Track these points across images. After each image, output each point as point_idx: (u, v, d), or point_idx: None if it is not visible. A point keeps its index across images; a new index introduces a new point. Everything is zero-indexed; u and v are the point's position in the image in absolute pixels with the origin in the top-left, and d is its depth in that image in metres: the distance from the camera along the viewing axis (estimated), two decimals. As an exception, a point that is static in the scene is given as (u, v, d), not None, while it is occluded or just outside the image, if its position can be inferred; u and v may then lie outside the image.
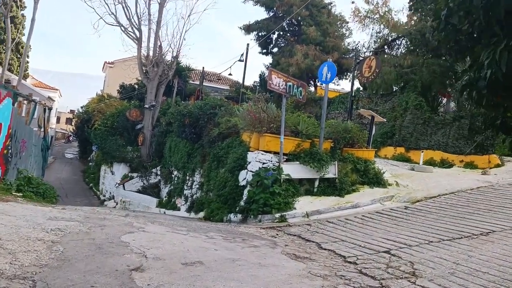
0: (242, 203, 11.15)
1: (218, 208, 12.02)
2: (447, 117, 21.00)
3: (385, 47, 26.28)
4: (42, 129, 20.17)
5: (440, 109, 23.64)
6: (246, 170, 11.63)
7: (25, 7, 43.57)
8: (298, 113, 13.94)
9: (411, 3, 21.84)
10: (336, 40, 34.14)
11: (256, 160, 11.38)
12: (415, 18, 24.03)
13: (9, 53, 24.17)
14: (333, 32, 34.85)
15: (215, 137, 14.68)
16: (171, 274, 4.85)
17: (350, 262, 6.17)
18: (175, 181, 19.05)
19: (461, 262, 6.18)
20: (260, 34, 36.12)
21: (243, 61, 27.59)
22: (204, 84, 34.46)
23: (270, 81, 11.31)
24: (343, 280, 5.27)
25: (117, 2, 26.06)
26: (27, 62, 45.05)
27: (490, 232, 8.07)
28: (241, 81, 30.42)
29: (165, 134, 22.88)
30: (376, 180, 13.00)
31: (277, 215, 10.00)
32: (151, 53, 26.53)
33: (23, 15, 42.05)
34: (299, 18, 34.98)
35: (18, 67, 36.53)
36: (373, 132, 16.81)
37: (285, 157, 11.45)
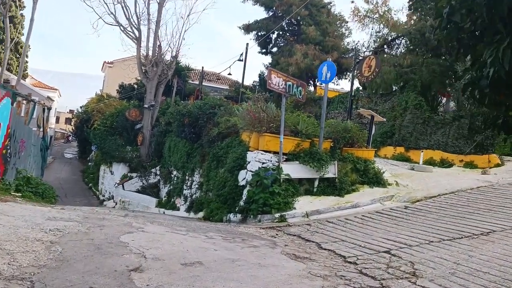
0: (241, 203, 11.12)
1: (217, 208, 11.99)
2: (446, 116, 20.98)
3: (385, 46, 26.26)
4: (41, 129, 20.13)
5: (439, 109, 23.63)
6: (245, 170, 11.61)
7: (24, 7, 43.51)
8: (297, 113, 13.92)
9: (410, 3, 21.85)
10: (336, 39, 34.12)
11: (255, 160, 11.36)
12: (414, 17, 24.02)
13: (8, 53, 24.11)
14: (333, 31, 34.83)
15: (215, 137, 14.64)
16: (170, 275, 4.82)
17: (350, 262, 6.14)
18: (175, 181, 19.01)
19: (462, 262, 6.15)
20: (259, 33, 36.08)
21: (242, 60, 27.57)
22: (203, 84, 34.42)
23: (269, 81, 11.28)
24: (343, 280, 5.24)
25: (116, 2, 26.01)
26: (26, 62, 44.99)
27: (490, 232, 8.05)
28: (240, 81, 30.41)
29: (165, 134, 22.84)
30: (376, 180, 12.99)
31: (277, 215, 9.98)
32: (150, 53, 26.49)
33: (22, 15, 41.99)
34: (299, 18, 34.95)
35: (18, 67, 36.46)
36: (373, 131, 16.80)
37: (284, 156, 11.42)
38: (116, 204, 22.12)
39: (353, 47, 30.34)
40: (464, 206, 10.58)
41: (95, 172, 34.27)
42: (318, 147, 11.81)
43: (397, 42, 26.08)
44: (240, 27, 36.64)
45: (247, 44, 28.13)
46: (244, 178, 11.54)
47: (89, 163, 40.30)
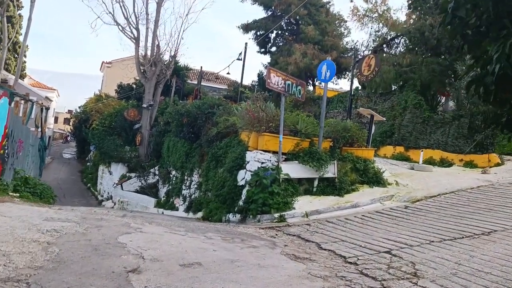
0: (240, 203, 11.06)
1: (216, 208, 11.93)
2: (446, 116, 20.94)
3: (384, 46, 26.24)
4: (40, 129, 20.03)
5: (439, 108, 23.60)
6: (244, 170, 11.54)
7: (22, 6, 43.39)
8: (297, 112, 13.88)
9: (410, 2, 21.87)
10: (335, 39, 34.12)
11: (254, 159, 11.30)
12: (414, 16, 24.02)
13: (6, 53, 24.02)
14: (332, 31, 34.82)
15: (214, 137, 14.57)
16: (169, 276, 4.75)
17: (350, 263, 6.08)
18: (173, 181, 18.94)
19: (463, 262, 6.09)
20: (258, 33, 36.07)
21: (241, 60, 27.50)
22: (202, 83, 34.35)
23: (268, 80, 11.22)
24: (343, 281, 5.18)
25: (115, 1, 25.95)
26: (25, 62, 44.91)
27: (491, 231, 7.99)
28: (239, 81, 30.33)
29: (163, 133, 22.77)
30: (375, 180, 12.94)
31: (276, 215, 9.92)
32: (149, 53, 26.42)
33: (20, 15, 41.90)
34: (298, 17, 34.93)
35: (16, 67, 36.36)
36: (373, 131, 16.75)
37: (284, 156, 11.37)
38: (114, 204, 22.06)
39: (352, 47, 30.36)
40: (464, 205, 10.54)
41: (93, 172, 34.16)
42: (318, 146, 11.76)
43: (396, 41, 26.07)
44: (239, 27, 36.63)
45: (246, 43, 28.05)
46: (243, 178, 11.47)
47: (88, 163, 40.18)
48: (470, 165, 18.35)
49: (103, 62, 53.67)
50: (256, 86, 34.54)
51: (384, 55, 25.29)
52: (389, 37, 26.10)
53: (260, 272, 5.30)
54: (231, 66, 31.07)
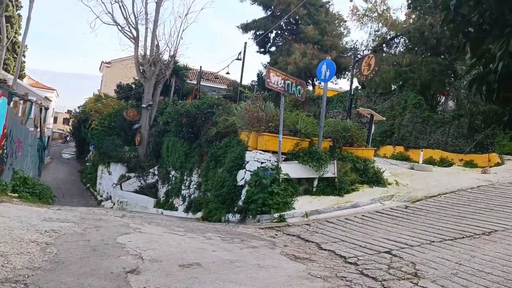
0: (240, 203, 11.04)
1: (216, 208, 11.91)
2: (446, 115, 20.92)
3: (384, 45, 26.22)
4: (39, 129, 20.00)
5: (438, 108, 23.58)
6: (244, 170, 11.51)
7: (21, 6, 43.35)
8: (296, 112, 13.84)
9: (409, 1, 21.84)
10: (334, 39, 34.08)
11: (254, 159, 11.27)
12: (413, 16, 24.01)
13: (5, 53, 23.97)
14: (331, 31, 34.79)
15: (213, 137, 14.54)
16: (168, 277, 4.72)
17: (350, 263, 6.05)
18: (173, 181, 18.92)
19: (464, 263, 6.06)
20: (257, 33, 36.05)
21: (240, 59, 27.46)
22: (201, 83, 34.32)
23: (268, 80, 11.18)
24: (344, 281, 5.15)
25: (114, 1, 25.95)
26: (24, 62, 44.89)
27: (492, 231, 7.96)
28: (239, 81, 30.29)
29: (163, 133, 22.74)
30: (375, 179, 12.92)
31: (276, 215, 9.89)
32: (148, 52, 26.40)
33: (19, 15, 41.87)
34: (297, 17, 34.90)
35: (15, 67, 36.33)
36: (372, 131, 16.72)
37: (283, 156, 11.34)
38: (114, 204, 22.03)
39: (352, 47, 30.31)
40: (465, 205, 10.50)
41: (93, 173, 34.12)
42: (317, 146, 11.73)
43: (396, 41, 26.04)
44: (238, 27, 36.59)
45: (245, 43, 28.01)
46: (242, 178, 11.44)
47: (87, 163, 40.14)
48: (470, 164, 18.32)
49: (102, 62, 53.61)
50: (255, 86, 34.48)
51: (384, 54, 25.27)
52: (388, 37, 26.08)
53: (260, 273, 5.26)
54: (230, 66, 31.14)
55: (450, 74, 22.21)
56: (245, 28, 36.14)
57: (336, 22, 36.67)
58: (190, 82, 38.14)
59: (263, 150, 11.41)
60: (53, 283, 4.12)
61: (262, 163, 11.11)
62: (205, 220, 11.91)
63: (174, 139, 19.82)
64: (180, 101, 26.33)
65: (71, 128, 57.38)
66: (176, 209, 16.32)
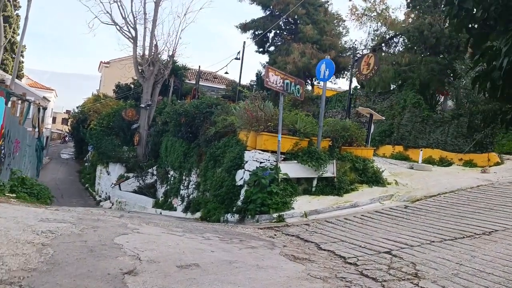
0: (239, 203, 10.98)
1: (214, 208, 11.86)
2: (445, 115, 20.88)
3: (383, 45, 26.19)
4: (37, 129, 19.93)
5: (438, 107, 23.55)
6: (243, 170, 11.46)
7: (19, 6, 43.33)
8: (295, 112, 13.78)
9: (408, 0, 21.77)
10: (333, 38, 34.03)
11: (253, 159, 11.22)
12: (412, 15, 23.99)
13: (2, 52, 23.90)
14: (330, 30, 34.75)
15: (212, 136, 14.49)
16: (166, 278, 4.66)
17: (350, 263, 6.00)
18: (171, 181, 18.87)
19: (464, 263, 6.02)
20: (256, 32, 35.98)
21: (239, 59, 27.43)
22: (200, 83, 34.30)
23: (267, 79, 11.13)
24: (343, 282, 5.10)
25: (112, 1, 25.91)
26: (22, 62, 44.83)
27: (492, 231, 7.92)
28: (237, 80, 30.25)
29: (161, 133, 22.70)
30: (375, 179, 12.88)
31: (275, 215, 9.84)
32: (146, 52, 26.37)
33: (17, 15, 41.78)
34: (296, 17, 34.86)
35: (13, 67, 36.24)
36: (372, 130, 16.67)
37: (282, 156, 11.29)
38: (112, 204, 21.98)
39: (351, 46, 30.26)
40: (464, 205, 10.46)
41: (91, 173, 34.07)
42: (317, 146, 11.69)
43: (395, 40, 26.02)
44: (237, 26, 36.52)
45: (244, 42, 28.00)
46: (241, 178, 11.39)
47: (86, 164, 40.08)
48: (469, 164, 18.28)
49: (101, 62, 53.56)
50: (254, 86, 34.45)
51: (383, 54, 25.25)
52: (388, 36, 26.06)
53: (259, 273, 5.21)
54: (229, 66, 31.09)
55: (450, 73, 22.18)
56: (244, 27, 36.07)
57: (335, 21, 36.63)
58: (189, 82, 38.09)
59: (262, 150, 11.36)
60: (49, 284, 4.06)
61: (261, 162, 11.06)
62: (203, 220, 11.86)
63: (172, 139, 19.77)
64: (178, 101, 26.29)
65: (69, 128, 57.27)
66: (175, 209, 16.27)
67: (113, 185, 24.41)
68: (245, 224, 9.99)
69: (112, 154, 26.08)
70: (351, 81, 21.80)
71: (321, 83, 13.53)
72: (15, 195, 11.35)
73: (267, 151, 11.33)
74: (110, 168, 27.20)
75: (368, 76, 17.32)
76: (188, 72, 38.26)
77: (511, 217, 9.04)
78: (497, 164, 17.66)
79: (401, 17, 26.17)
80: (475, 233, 7.78)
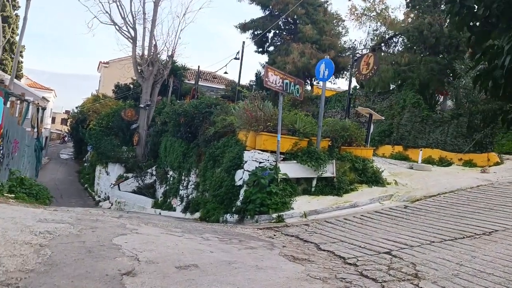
0: (238, 203, 10.95)
1: (214, 208, 11.82)
2: (445, 115, 20.85)
3: (382, 44, 26.17)
4: (36, 129, 19.91)
5: (437, 107, 23.52)
6: (242, 170, 11.43)
7: (19, 7, 43.26)
8: (295, 112, 13.75)
9: (408, 0, 21.74)
10: (333, 38, 34.00)
11: (252, 159, 11.19)
12: (412, 15, 23.97)
13: (1, 52, 23.86)
14: (329, 30, 34.72)
15: (211, 136, 14.47)
16: (164, 279, 4.63)
17: (350, 264, 5.97)
18: (171, 181, 18.84)
19: (465, 263, 5.99)
20: (256, 32, 35.92)
21: (238, 59, 27.41)
22: (199, 83, 34.27)
23: (266, 79, 11.10)
24: (343, 283, 5.07)
25: (112, 1, 25.90)
26: (21, 62, 44.76)
27: (492, 231, 7.89)
28: (237, 80, 30.23)
29: (161, 133, 22.68)
30: (374, 179, 12.85)
31: (274, 215, 9.81)
32: (146, 52, 26.35)
33: (17, 15, 41.73)
34: (295, 17, 34.81)
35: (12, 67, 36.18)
36: (371, 130, 16.64)
37: (282, 156, 11.26)
38: (112, 205, 21.94)
39: (350, 46, 30.24)
40: (464, 205, 10.43)
41: (91, 173, 34.04)
42: (316, 146, 11.66)
43: (394, 40, 26.01)
44: (236, 26, 36.46)
45: (243, 42, 27.98)
46: (241, 178, 11.36)
47: (85, 164, 40.05)
48: (469, 164, 18.25)
49: (100, 62, 53.51)
50: (254, 86, 34.42)
51: (383, 54, 25.22)
52: (387, 36, 26.04)
53: (258, 274, 5.18)
54: (228, 66, 31.13)
55: (449, 73, 22.16)
56: (243, 27, 36.03)
57: (334, 21, 36.60)
58: (188, 82, 38.08)
59: (261, 150, 11.33)
60: (46, 286, 4.03)
61: (260, 163, 11.03)
62: (203, 220, 11.83)
63: (172, 139, 19.75)
64: (178, 101, 26.27)
65: (69, 128, 57.22)
66: (174, 210, 16.24)
67: (112, 185, 24.37)
68: (245, 224, 9.96)
69: (111, 154, 26.06)
70: (350, 81, 21.77)
71: (321, 83, 13.51)
72: (13, 195, 11.31)
73: (266, 151, 11.30)
74: (109, 168, 27.17)
75: (368, 76, 17.29)
76: (188, 72, 38.26)
77: (511, 217, 9.01)
78: (497, 164, 17.64)
79: (401, 17, 26.18)
80: (475, 233, 7.75)
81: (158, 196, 20.13)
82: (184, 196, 16.11)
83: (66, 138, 70.23)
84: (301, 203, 10.55)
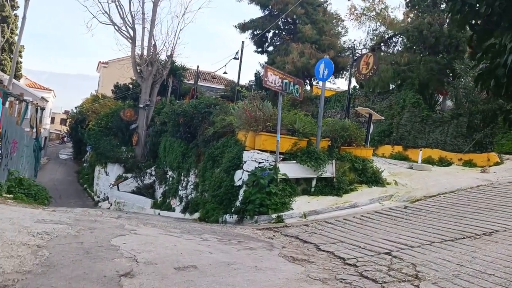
0: (237, 203, 10.91)
1: (213, 208, 11.78)
2: (445, 115, 20.81)
3: (382, 44, 26.13)
4: (35, 130, 19.84)
5: (437, 107, 23.49)
6: (241, 170, 11.39)
7: (18, 7, 43.20)
8: (294, 112, 13.72)
9: (408, 0, 21.70)
10: (332, 38, 33.96)
11: (252, 159, 11.15)
12: (411, 15, 23.93)
13: (0, 52, 23.81)
14: (329, 30, 34.68)
15: (210, 137, 14.43)
16: (163, 280, 4.59)
17: (350, 265, 5.93)
18: (170, 182, 18.79)
19: (465, 264, 5.95)
20: (255, 32, 35.89)
21: (238, 59, 27.38)
22: (199, 83, 34.23)
23: (265, 78, 11.07)
24: (343, 284, 5.03)
25: (111, 1, 25.81)
26: (20, 62, 44.73)
27: (493, 232, 7.85)
28: (236, 80, 30.19)
29: (160, 134, 22.63)
30: (374, 179, 12.81)
31: (274, 215, 9.77)
32: (145, 52, 26.28)
33: (16, 15, 41.68)
34: (295, 17, 34.78)
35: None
36: (371, 130, 16.61)
37: (281, 156, 11.22)
38: (111, 205, 21.90)
39: (350, 46, 30.23)
40: (464, 205, 10.40)
41: (90, 173, 34.00)
42: (316, 146, 11.63)
43: (394, 40, 25.96)
44: (235, 26, 36.42)
45: (243, 42, 27.94)
46: (240, 178, 11.32)
47: (84, 164, 40.01)
48: (469, 164, 18.21)
49: (99, 62, 53.46)
50: (253, 86, 34.40)
51: (382, 54, 25.19)
52: (386, 36, 26.00)
53: (257, 275, 5.14)
54: (228, 66, 31.14)
55: (449, 73, 22.13)
56: (243, 27, 35.99)
57: (334, 21, 36.56)
58: (187, 82, 38.04)
59: (260, 150, 11.29)
60: (44, 287, 4.00)
61: (259, 163, 10.99)
62: (202, 221, 11.79)
63: (171, 139, 19.71)
64: (177, 101, 26.23)
65: (68, 128, 57.22)
66: (173, 210, 16.20)
67: (111, 186, 24.32)
68: (244, 224, 9.92)
69: (111, 155, 26.01)
70: (350, 81, 21.74)
71: (320, 83, 13.48)
72: (12, 195, 11.28)
73: (266, 151, 11.27)
74: (108, 168, 27.12)
75: (367, 76, 17.26)
76: (187, 72, 38.22)
77: (512, 217, 8.99)
78: (497, 164, 17.60)
79: (400, 16, 26.14)
80: (475, 234, 7.71)
81: (157, 197, 20.08)
82: (183, 196, 16.07)
83: (65, 138, 70.20)
84: (301, 204, 10.51)
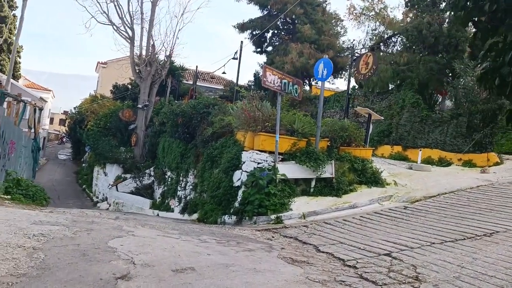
0: (236, 204, 10.86)
1: (212, 209, 11.73)
2: (444, 115, 20.77)
3: (381, 44, 26.09)
4: (33, 130, 19.79)
5: (436, 107, 23.45)
6: (240, 170, 11.34)
7: (16, 7, 43.12)
8: (293, 112, 13.66)
9: (407, 0, 21.66)
10: (331, 38, 33.96)
11: (250, 160, 11.09)
12: (411, 15, 23.89)
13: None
14: (328, 30, 34.67)
15: (209, 137, 14.37)
16: (160, 282, 4.53)
17: (349, 266, 5.87)
18: (169, 182, 18.73)
19: (466, 265, 5.89)
20: (254, 32, 35.87)
21: (237, 59, 27.34)
22: (197, 83, 34.20)
23: (264, 78, 11.02)
24: (343, 286, 4.97)
25: (109, 1, 25.74)
26: (19, 62, 44.66)
27: (493, 232, 7.79)
28: (235, 81, 30.15)
29: (159, 134, 22.58)
30: (374, 180, 12.76)
31: (273, 216, 9.72)
32: (144, 52, 26.21)
33: (14, 16, 41.61)
34: (294, 16, 34.76)
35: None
36: (370, 130, 16.55)
37: (280, 156, 11.17)
38: (110, 205, 21.84)
39: (349, 46, 30.20)
40: (464, 206, 10.34)
41: (89, 174, 33.92)
42: (315, 146, 11.58)
43: (393, 40, 25.94)
44: (234, 26, 36.38)
45: (242, 42, 27.92)
46: (239, 179, 11.27)
47: (83, 164, 39.93)
48: (469, 164, 18.17)
49: (98, 63, 53.39)
50: (252, 86, 34.37)
51: (381, 53, 25.16)
52: (386, 36, 25.98)
53: (256, 277, 5.08)
54: (227, 66, 31.11)
55: (448, 73, 22.09)
56: (242, 27, 35.96)
57: (333, 21, 36.54)
58: (186, 82, 38.03)
59: (259, 150, 11.24)
60: (38, 290, 3.94)
61: (258, 163, 10.94)
62: (201, 221, 11.73)
63: (170, 139, 19.65)
64: (176, 102, 26.16)
65: (67, 129, 57.17)
66: (172, 211, 16.14)
67: (110, 186, 24.26)
68: (243, 225, 9.86)
69: (109, 155, 25.95)
70: (349, 81, 21.68)
71: (319, 83, 13.44)
72: (10, 196, 11.21)
73: (264, 151, 11.22)
74: (107, 169, 27.05)
75: (367, 76, 17.20)
76: (186, 73, 38.19)
77: (512, 218, 8.93)
78: (497, 164, 17.55)
79: (400, 16, 26.19)
80: (476, 235, 7.65)
81: (156, 197, 20.03)
82: (182, 197, 16.01)
83: (64, 139, 70.13)
84: (300, 204, 10.45)
